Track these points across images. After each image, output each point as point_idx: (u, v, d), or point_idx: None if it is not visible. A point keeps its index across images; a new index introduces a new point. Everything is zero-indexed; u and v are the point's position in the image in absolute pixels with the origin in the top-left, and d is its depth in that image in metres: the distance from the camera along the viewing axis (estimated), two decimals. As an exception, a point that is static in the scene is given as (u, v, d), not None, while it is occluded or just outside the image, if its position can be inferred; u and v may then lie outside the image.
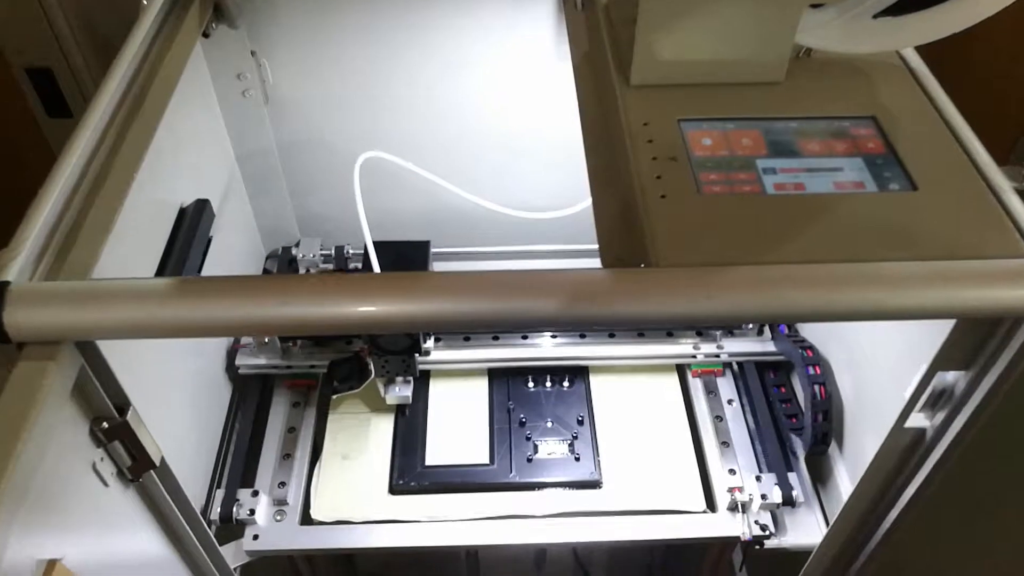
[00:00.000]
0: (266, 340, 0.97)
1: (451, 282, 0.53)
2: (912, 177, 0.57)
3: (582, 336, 1.02)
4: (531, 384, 1.01)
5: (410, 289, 0.52)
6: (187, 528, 0.73)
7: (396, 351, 0.92)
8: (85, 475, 0.58)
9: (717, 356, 1.01)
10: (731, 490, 0.89)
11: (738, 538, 0.86)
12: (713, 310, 0.50)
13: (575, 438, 0.95)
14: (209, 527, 0.87)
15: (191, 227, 0.81)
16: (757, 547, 0.88)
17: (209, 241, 0.85)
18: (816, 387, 0.89)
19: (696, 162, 0.58)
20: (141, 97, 0.67)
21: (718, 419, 0.97)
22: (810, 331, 0.99)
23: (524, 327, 1.01)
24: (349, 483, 0.92)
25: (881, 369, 0.81)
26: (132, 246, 0.69)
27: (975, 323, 0.56)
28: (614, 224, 0.55)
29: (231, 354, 1.00)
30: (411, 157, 0.99)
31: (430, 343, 1.00)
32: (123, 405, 0.59)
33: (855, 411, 0.88)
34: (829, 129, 0.61)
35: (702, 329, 1.02)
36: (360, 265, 0.98)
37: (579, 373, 1.02)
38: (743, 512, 0.87)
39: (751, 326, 0.98)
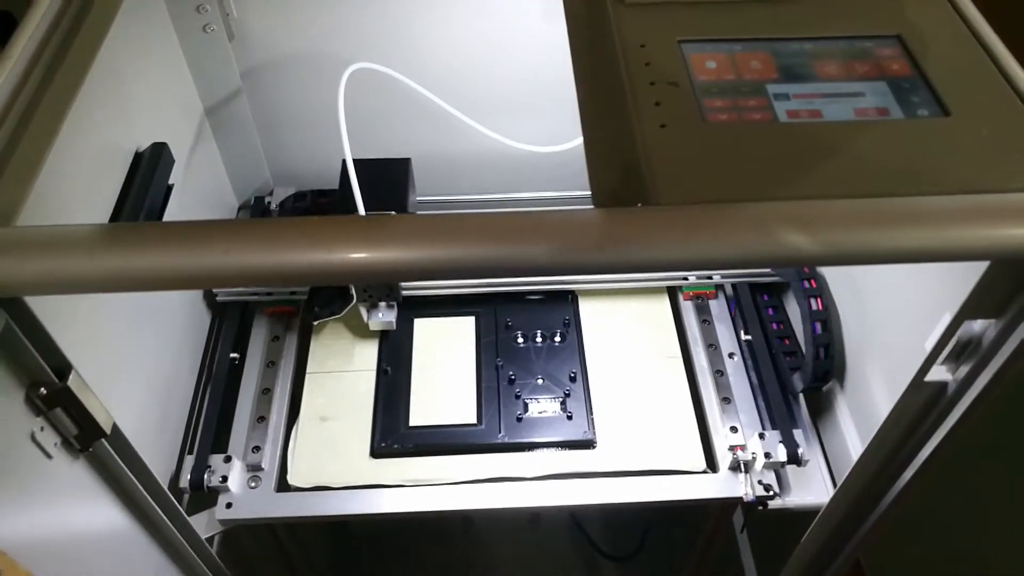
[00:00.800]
0: None
1: (426, 226, 0.47)
2: (943, 102, 0.51)
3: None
4: (521, 340, 0.95)
5: (380, 234, 0.45)
6: (149, 500, 0.68)
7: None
8: (24, 447, 0.53)
9: (709, 278, 0.98)
10: (733, 449, 0.84)
11: (740, 499, 0.82)
12: (720, 254, 0.44)
13: (567, 395, 0.90)
14: (181, 496, 0.82)
15: (147, 172, 0.75)
16: (760, 508, 0.83)
17: (169, 189, 0.79)
18: (816, 323, 0.84)
19: (699, 87, 0.51)
20: (75, 28, 0.60)
21: (718, 374, 0.91)
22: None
23: (509, 274, 0.95)
24: (328, 446, 0.87)
25: (891, 310, 0.75)
26: (76, 192, 0.63)
27: (1010, 266, 0.50)
28: (608, 158, 0.49)
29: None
30: (394, 96, 0.92)
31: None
32: (63, 368, 0.54)
33: (859, 348, 0.83)
34: (848, 50, 0.54)
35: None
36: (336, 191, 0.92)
37: (570, 327, 0.96)
38: (746, 472, 0.83)
39: None
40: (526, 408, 0.89)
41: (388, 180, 0.91)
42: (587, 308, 0.98)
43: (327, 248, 0.44)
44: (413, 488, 0.83)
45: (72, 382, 0.54)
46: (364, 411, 0.89)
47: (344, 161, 0.84)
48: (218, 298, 0.97)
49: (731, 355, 0.93)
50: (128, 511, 0.67)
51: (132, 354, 0.77)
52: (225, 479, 0.82)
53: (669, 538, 1.51)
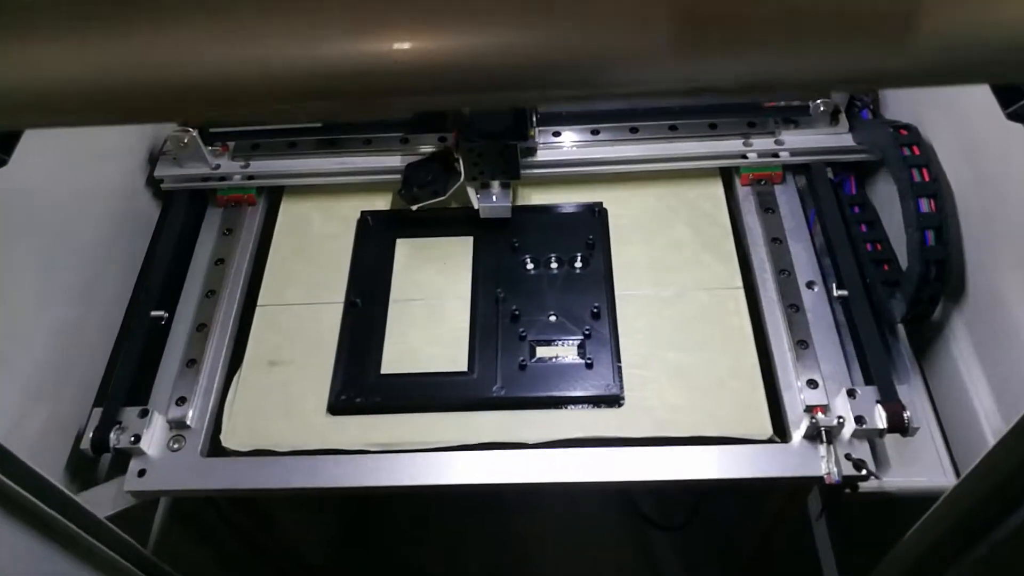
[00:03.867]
0: (184, 140, 0.74)
1: None
2: None
3: (595, 133, 0.78)
4: (530, 265, 0.74)
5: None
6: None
7: (494, 133, 0.70)
8: None
9: (775, 156, 0.76)
10: (811, 411, 0.62)
11: (820, 479, 0.59)
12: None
13: (587, 336, 0.68)
14: (84, 460, 0.64)
15: None
16: (848, 491, 0.61)
17: None
18: (922, 200, 0.61)
19: None
20: None
21: (792, 308, 0.68)
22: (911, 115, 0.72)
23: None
24: (275, 399, 0.67)
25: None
26: None
27: None
28: None
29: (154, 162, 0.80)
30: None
31: (536, 133, 0.78)
32: None
33: (988, 250, 0.59)
34: None
35: (755, 118, 0.77)
36: None
37: (594, 250, 0.74)
38: (828, 443, 0.60)
39: (823, 108, 0.74)
40: (533, 353, 0.68)
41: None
42: (618, 210, 0.77)
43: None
44: (380, 455, 0.63)
45: None
46: (324, 353, 0.69)
47: None
48: (163, 185, 0.80)
49: (810, 284, 0.70)
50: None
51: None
52: (138, 439, 0.63)
53: (725, 508, 1.31)
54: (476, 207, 0.74)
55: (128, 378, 0.67)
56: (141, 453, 0.64)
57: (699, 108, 0.77)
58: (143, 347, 0.69)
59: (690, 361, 0.67)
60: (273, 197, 0.82)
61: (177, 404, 0.66)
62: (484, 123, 0.70)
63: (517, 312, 0.70)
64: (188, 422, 0.65)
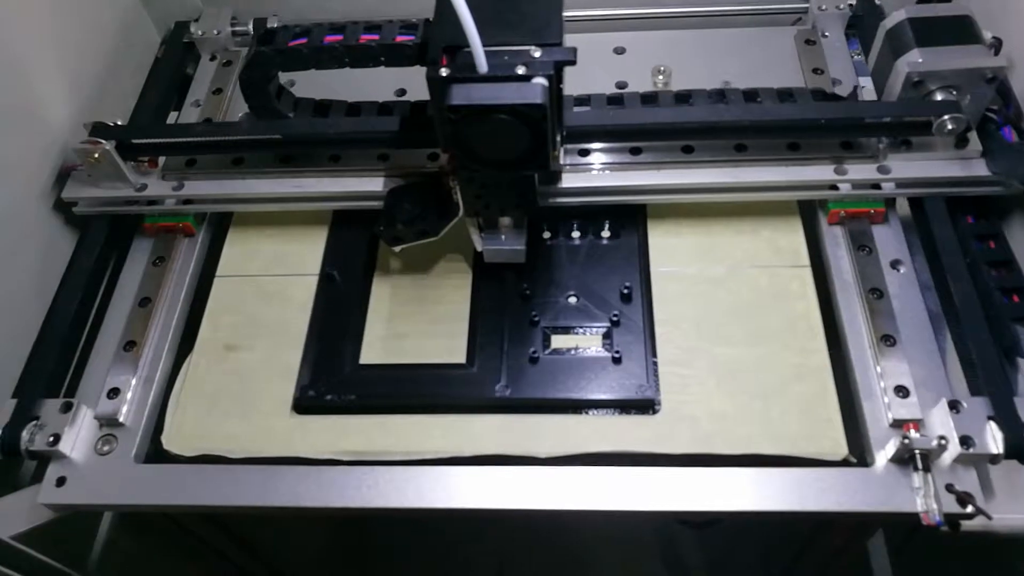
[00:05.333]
0: (95, 154, 0.58)
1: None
2: None
3: (635, 152, 0.59)
4: (547, 235, 0.60)
5: None
6: None
7: (504, 161, 0.46)
8: None
9: (876, 187, 0.58)
10: (902, 426, 0.48)
11: (915, 517, 0.46)
12: None
13: (615, 323, 0.55)
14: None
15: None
16: (946, 530, 0.47)
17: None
18: None
19: None
20: None
21: (874, 294, 0.54)
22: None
23: None
24: (231, 392, 0.55)
25: None
26: None
27: None
28: None
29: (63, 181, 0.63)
30: None
31: (561, 153, 0.58)
32: None
33: None
34: None
35: (853, 137, 0.58)
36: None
37: (628, 216, 0.61)
38: (924, 470, 0.47)
39: (951, 125, 0.53)
40: (547, 343, 0.55)
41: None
42: (661, 254, 0.59)
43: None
44: (355, 468, 0.51)
45: None
46: (292, 337, 0.57)
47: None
48: (76, 209, 0.63)
49: (896, 264, 0.56)
50: None
51: None
52: (57, 439, 0.51)
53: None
54: (479, 249, 0.56)
55: (50, 362, 0.55)
56: (61, 457, 0.52)
57: (777, 124, 0.57)
58: (71, 324, 0.57)
59: (743, 357, 0.53)
60: (217, 226, 0.64)
61: (109, 396, 0.54)
62: (488, 143, 0.45)
63: (528, 292, 0.57)
64: (121, 419, 0.53)
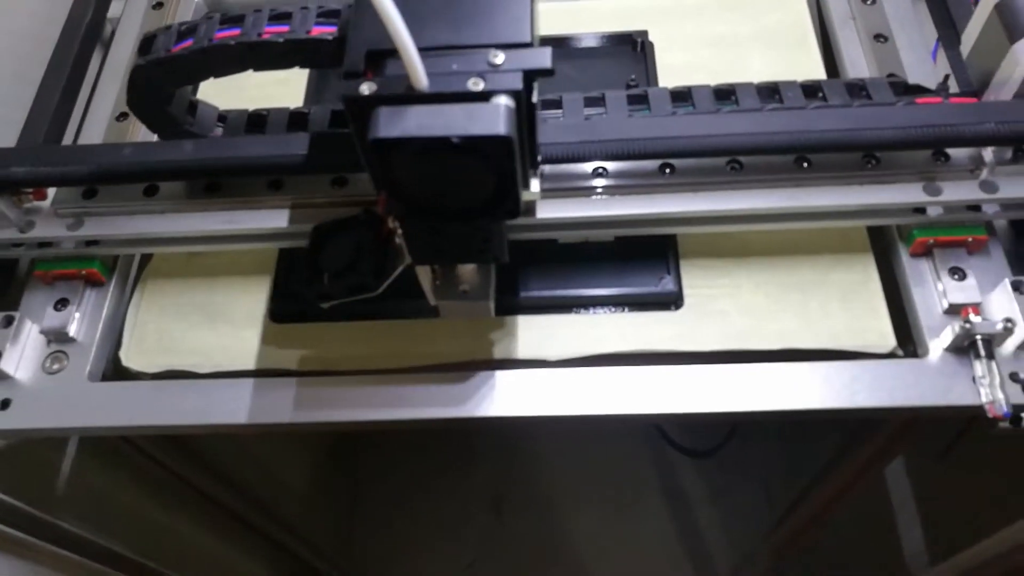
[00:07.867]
0: None
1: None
2: None
3: (667, 171, 0.44)
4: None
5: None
6: None
7: (455, 210, 0.34)
8: None
9: (976, 208, 0.44)
10: (958, 311, 0.43)
11: (978, 409, 0.41)
12: None
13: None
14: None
15: None
16: (1011, 425, 0.42)
17: None
18: None
19: None
20: None
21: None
22: None
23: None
24: (198, 299, 0.49)
25: None
26: None
27: None
28: None
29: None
30: None
31: (536, 183, 0.37)
32: None
33: None
34: None
35: (954, 147, 0.44)
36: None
37: (643, 83, 0.54)
38: (988, 357, 0.41)
39: None
40: (553, 236, 0.48)
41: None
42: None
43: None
44: (343, 378, 0.45)
45: None
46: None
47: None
48: None
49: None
50: None
51: None
52: (-2, 357, 0.45)
53: (763, 434, 1.15)
54: (432, 303, 0.41)
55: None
56: (4, 377, 0.45)
57: (860, 141, 0.42)
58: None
59: (776, 243, 0.47)
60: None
61: (56, 308, 0.47)
62: (433, 187, 0.32)
63: (531, 181, 0.50)
64: (72, 333, 0.47)
